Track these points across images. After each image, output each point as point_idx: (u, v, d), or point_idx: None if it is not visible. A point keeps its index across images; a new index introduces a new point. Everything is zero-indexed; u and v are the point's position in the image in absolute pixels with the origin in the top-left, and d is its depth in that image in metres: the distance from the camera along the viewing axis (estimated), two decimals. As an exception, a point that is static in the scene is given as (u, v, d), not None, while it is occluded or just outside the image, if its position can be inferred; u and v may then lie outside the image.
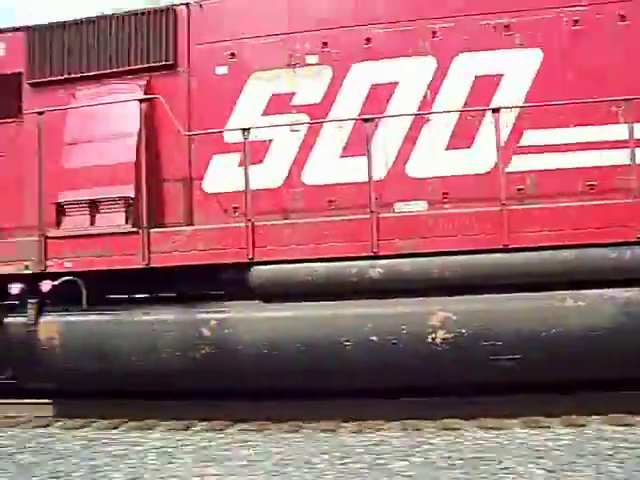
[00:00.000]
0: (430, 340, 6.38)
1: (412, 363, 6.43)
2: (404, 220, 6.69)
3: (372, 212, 6.64)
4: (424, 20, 7.16)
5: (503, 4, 7.03)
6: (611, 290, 6.25)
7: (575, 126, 6.76)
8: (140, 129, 7.36)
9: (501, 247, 6.38)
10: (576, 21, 6.91)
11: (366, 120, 6.83)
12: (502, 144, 6.67)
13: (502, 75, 6.97)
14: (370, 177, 6.74)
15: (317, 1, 7.53)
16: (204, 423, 7.00)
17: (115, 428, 7.10)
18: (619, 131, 6.49)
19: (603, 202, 6.39)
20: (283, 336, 6.71)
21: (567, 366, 6.26)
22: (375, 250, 6.59)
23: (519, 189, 6.83)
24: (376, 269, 6.61)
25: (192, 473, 5.29)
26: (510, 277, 6.38)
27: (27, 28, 8.39)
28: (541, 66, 6.90)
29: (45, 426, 7.32)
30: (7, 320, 7.53)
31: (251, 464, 5.51)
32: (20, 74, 8.21)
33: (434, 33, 7.17)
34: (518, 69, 6.93)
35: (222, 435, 6.62)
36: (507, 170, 6.72)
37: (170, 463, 5.67)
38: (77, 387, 7.77)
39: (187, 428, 6.92)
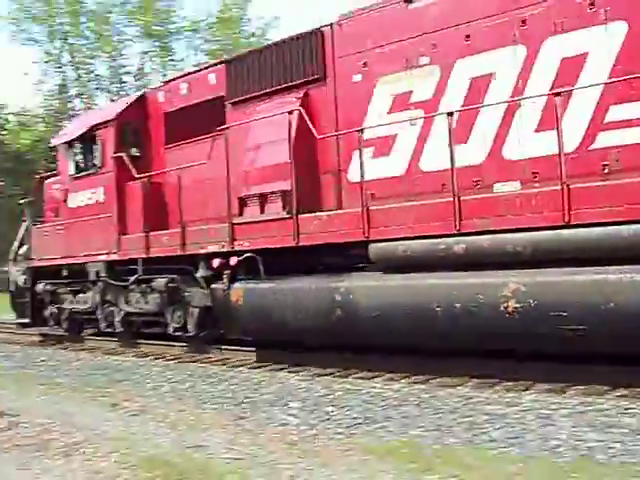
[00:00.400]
0: (503, 309, 7.15)
1: (487, 329, 7.37)
2: (480, 201, 7.57)
3: (454, 196, 7.64)
4: (514, 10, 7.72)
5: None
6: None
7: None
8: (290, 135, 9.29)
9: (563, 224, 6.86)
10: None
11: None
12: (587, 122, 7.12)
13: (587, 53, 7.20)
14: (452, 164, 7.74)
15: (425, 9, 8.61)
16: (580, 387, 7.27)
17: (491, 387, 7.73)
18: None
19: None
20: (392, 301, 8.18)
21: (625, 339, 6.58)
22: (456, 229, 7.58)
23: (604, 165, 7.08)
24: (457, 245, 7.67)
25: (573, 437, 5.67)
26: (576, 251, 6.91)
27: (226, 61, 11.34)
28: (626, 38, 6.94)
29: (423, 382, 8.21)
30: (213, 286, 10.41)
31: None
32: (223, 97, 10.98)
33: (523, 21, 7.68)
34: (603, 46, 7.06)
35: (601, 400, 6.83)
36: (590, 147, 7.14)
37: (549, 425, 6.09)
38: (256, 338, 10.42)
39: (563, 391, 7.22)
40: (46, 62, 30.98)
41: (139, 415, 7.57)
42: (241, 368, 9.88)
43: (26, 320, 14.77)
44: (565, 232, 6.91)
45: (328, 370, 9.25)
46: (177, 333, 11.43)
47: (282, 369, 9.56)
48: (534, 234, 7.09)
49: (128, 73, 31.87)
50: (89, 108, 30.79)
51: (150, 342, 12.46)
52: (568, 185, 6.84)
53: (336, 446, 6.08)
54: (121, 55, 31.31)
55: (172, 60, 31.67)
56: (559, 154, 6.94)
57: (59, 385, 9.79)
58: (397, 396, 7.68)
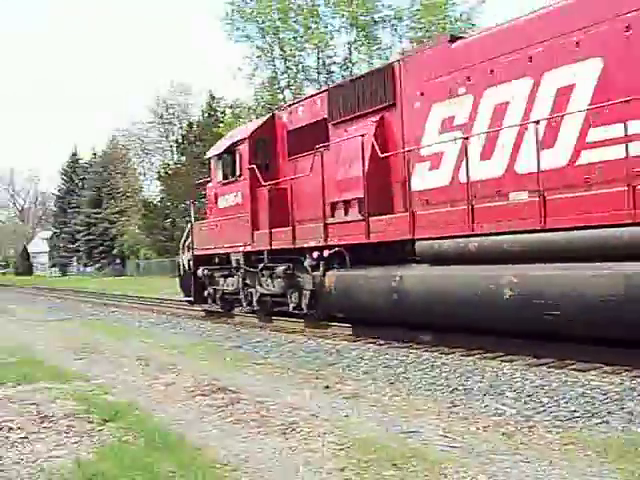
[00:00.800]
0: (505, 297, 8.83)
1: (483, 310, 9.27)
2: (484, 210, 9.46)
3: (469, 204, 9.59)
4: (523, 49, 9.32)
5: (573, 23, 8.66)
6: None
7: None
8: (363, 154, 11.61)
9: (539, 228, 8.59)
10: (628, 28, 8.02)
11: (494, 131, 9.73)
12: (573, 142, 8.58)
13: (575, 84, 8.66)
14: (468, 178, 9.76)
15: (461, 48, 10.55)
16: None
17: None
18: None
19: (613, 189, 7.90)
20: (429, 287, 10.32)
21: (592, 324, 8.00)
22: (470, 231, 9.53)
23: (586, 178, 8.44)
24: (472, 243, 9.60)
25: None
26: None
27: (328, 88, 14.24)
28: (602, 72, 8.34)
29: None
30: (314, 273, 12.89)
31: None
32: (326, 118, 13.25)
33: (530, 58, 9.24)
34: (586, 77, 8.52)
35: None
36: (577, 163, 8.58)
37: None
38: (344, 314, 12.79)
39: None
40: (258, 57, 32.41)
41: (352, 398, 7.69)
42: (452, 355, 9.71)
43: (191, 298, 18.04)
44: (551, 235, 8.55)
45: (542, 360, 8.91)
46: (295, 311, 13.80)
47: (495, 357, 9.30)
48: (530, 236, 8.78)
49: (335, 63, 32.55)
50: (297, 99, 31.92)
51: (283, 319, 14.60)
52: (544, 196, 8.53)
53: (554, 439, 5.83)
54: (328, 46, 32.00)
55: (378, 49, 31.86)
56: (537, 170, 8.70)
57: (273, 365, 10.20)
58: (618, 390, 7.25)
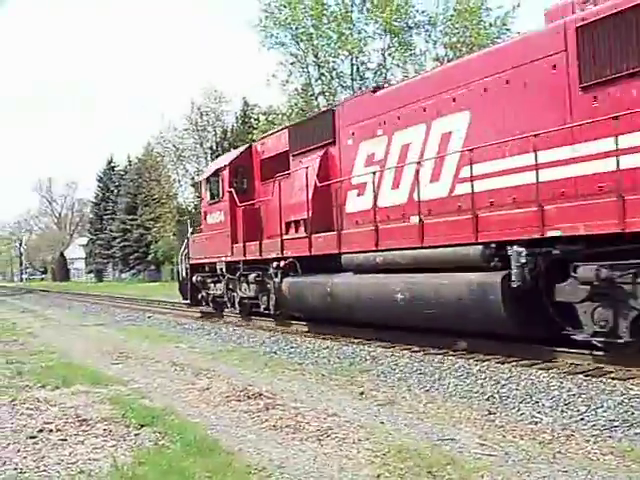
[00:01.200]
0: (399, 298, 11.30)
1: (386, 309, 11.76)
2: (385, 230, 11.94)
3: (376, 226, 12.15)
4: (419, 101, 11.77)
5: (451, 83, 11.14)
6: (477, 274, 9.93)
7: (500, 158, 10.07)
8: (308, 182, 14.18)
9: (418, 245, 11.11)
10: (485, 89, 10.53)
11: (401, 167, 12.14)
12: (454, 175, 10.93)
13: (452, 131, 11.07)
14: (366, 204, 12.81)
15: (380, 98, 13.14)
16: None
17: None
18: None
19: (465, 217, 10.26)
20: (350, 291, 12.81)
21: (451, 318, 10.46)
22: (373, 248, 12.05)
23: (459, 206, 10.71)
24: (377, 257, 12.01)
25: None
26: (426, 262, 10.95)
27: (288, 127, 16.97)
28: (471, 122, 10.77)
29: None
30: (275, 280, 15.32)
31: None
32: (287, 151, 15.81)
33: (424, 109, 11.67)
34: (460, 125, 10.92)
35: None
36: (453, 194, 10.93)
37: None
38: (296, 313, 15.46)
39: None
40: (291, 64, 32.53)
41: (387, 405, 7.67)
42: (488, 363, 9.63)
43: (188, 301, 20.90)
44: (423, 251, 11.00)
45: (579, 369, 8.80)
46: (265, 311, 16.34)
47: (531, 365, 9.21)
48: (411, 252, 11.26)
49: (369, 69, 32.54)
50: (331, 105, 31.94)
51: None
52: (422, 220, 11.03)
53: (592, 449, 5.76)
54: (362, 52, 32.01)
55: (412, 55, 31.79)
56: (418, 200, 11.22)
57: (308, 371, 10.22)
58: (659, 400, 7.13)
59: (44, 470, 5.38)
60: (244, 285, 17.07)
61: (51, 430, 6.52)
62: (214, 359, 11.77)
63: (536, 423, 6.72)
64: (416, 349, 11.25)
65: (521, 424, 6.70)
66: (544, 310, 9.21)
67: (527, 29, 11.63)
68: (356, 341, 12.73)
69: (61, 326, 20.26)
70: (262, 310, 16.38)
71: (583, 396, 7.46)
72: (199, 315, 20.25)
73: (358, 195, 13.14)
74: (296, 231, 14.69)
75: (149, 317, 22.17)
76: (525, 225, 9.23)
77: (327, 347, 12.39)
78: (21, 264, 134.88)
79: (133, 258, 75.62)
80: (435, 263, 10.63)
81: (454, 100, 11.01)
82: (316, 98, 33.02)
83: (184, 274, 21.05)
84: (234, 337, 15.09)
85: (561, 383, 8.10)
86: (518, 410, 7.27)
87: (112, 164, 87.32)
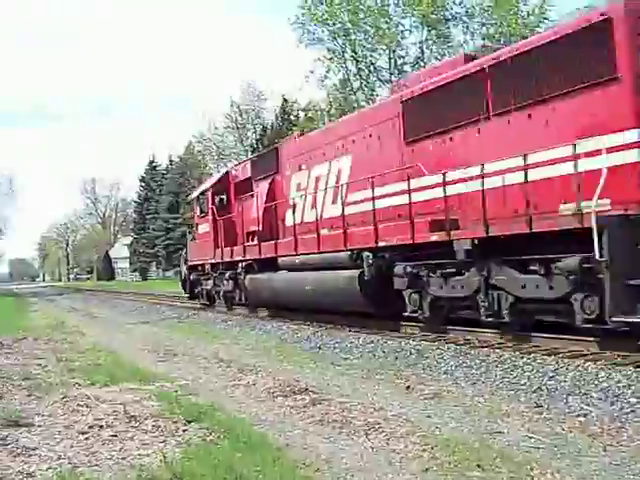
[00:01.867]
0: (311, 287, 15.28)
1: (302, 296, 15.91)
2: (301, 240, 15.99)
3: (295, 236, 16.26)
4: (325, 145, 15.82)
5: (340, 133, 15.25)
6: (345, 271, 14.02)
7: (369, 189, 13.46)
8: (258, 202, 18.65)
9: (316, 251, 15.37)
10: (364, 137, 14.30)
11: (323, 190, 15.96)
12: (342, 201, 14.57)
13: (342, 167, 15.06)
14: (297, 219, 16.91)
15: (303, 140, 17.86)
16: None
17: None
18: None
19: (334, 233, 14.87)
20: (283, 284, 16.91)
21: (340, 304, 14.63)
22: (294, 252, 16.19)
23: (347, 223, 14.30)
24: (295, 259, 16.21)
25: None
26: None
27: (251, 158, 21.94)
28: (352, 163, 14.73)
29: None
30: (238, 277, 19.74)
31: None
32: (251, 177, 20.11)
33: (324, 153, 15.90)
34: (346, 164, 14.92)
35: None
36: (344, 214, 14.40)
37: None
38: (257, 303, 19.65)
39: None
40: (329, 59, 32.48)
41: (434, 399, 7.64)
42: (534, 355, 9.52)
43: (187, 295, 25.78)
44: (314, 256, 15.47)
45: (628, 360, 8.62)
46: (240, 302, 20.48)
47: (579, 356, 9.07)
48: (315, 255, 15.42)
49: (407, 63, 32.33)
50: (371, 101, 31.81)
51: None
52: (315, 234, 15.39)
53: (644, 441, 5.66)
54: (399, 46, 31.85)
55: (450, 47, 31.50)
56: (316, 220, 15.56)
57: (353, 366, 10.22)
58: None
59: (96, 465, 5.48)
60: (224, 281, 21.17)
61: (101, 426, 6.62)
62: (259, 355, 11.85)
63: (585, 415, 6.64)
64: (461, 342, 11.17)
65: (570, 416, 6.63)
66: (388, 295, 13.08)
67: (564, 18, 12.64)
68: (401, 335, 12.69)
69: (108, 324, 20.59)
70: (237, 301, 20.76)
71: (633, 387, 7.31)
72: (241, 312, 20.69)
73: (292, 213, 17.10)
74: (252, 240, 18.97)
75: (193, 314, 22.39)
76: (369, 238, 13.33)
77: (372, 342, 12.35)
78: (68, 264, 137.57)
79: (176, 256, 76.32)
80: (327, 264, 14.84)
81: (343, 146, 15.10)
82: (355, 93, 32.94)
83: (185, 273, 25.77)
84: (278, 333, 15.17)
85: (610, 374, 7.96)
86: (566, 402, 7.18)
87: (154, 163, 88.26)
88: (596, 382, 7.73)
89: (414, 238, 12.05)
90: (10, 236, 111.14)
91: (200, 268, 23.83)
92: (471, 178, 10.97)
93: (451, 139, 11.88)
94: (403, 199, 12.46)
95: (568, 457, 5.36)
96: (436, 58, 31.36)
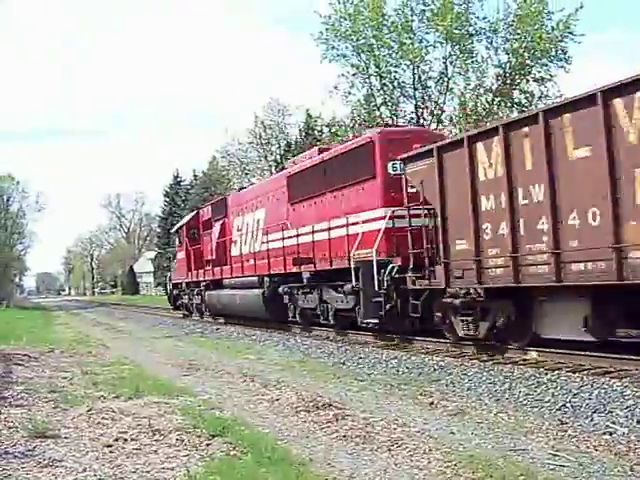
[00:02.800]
0: (239, 301, 22.52)
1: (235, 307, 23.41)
2: (235, 267, 22.99)
3: (231, 264, 23.44)
4: (247, 202, 22.80)
5: (257, 193, 22.37)
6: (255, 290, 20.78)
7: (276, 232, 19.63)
8: (214, 238, 25.75)
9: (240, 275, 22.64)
10: (269, 198, 20.80)
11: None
12: (255, 241, 21.64)
13: (260, 218, 21.32)
14: (235, 252, 23.99)
15: (236, 196, 25.33)
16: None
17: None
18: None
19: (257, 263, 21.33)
20: (226, 299, 23.99)
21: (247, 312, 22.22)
22: (231, 276, 23.52)
23: (265, 255, 20.28)
24: (232, 280, 23.51)
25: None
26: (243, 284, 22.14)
27: (210, 204, 28.71)
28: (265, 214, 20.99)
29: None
30: (202, 293, 27.16)
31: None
32: (210, 218, 26.67)
33: (246, 207, 22.91)
34: (262, 215, 21.21)
35: None
36: (258, 250, 21.11)
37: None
38: (215, 313, 26.62)
39: None
40: (353, 75, 32.59)
41: (457, 415, 7.61)
42: (559, 372, 9.44)
43: (171, 307, 33.51)
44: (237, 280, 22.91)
45: (655, 377, 8.51)
46: (207, 313, 27.29)
47: (604, 374, 8.98)
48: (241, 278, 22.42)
49: (431, 78, 32.35)
50: (395, 116, 31.85)
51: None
52: (251, 262, 21.37)
53: (671, 460, 5.59)
54: (423, 61, 31.88)
55: (474, 62, 31.48)
56: (241, 254, 22.62)
57: (377, 381, 10.20)
58: None
59: (121, 478, 5.51)
60: (195, 296, 28.16)
61: (126, 439, 6.67)
62: (283, 370, 11.86)
63: (611, 434, 6.58)
64: (485, 359, 11.11)
65: (595, 434, 6.57)
66: (279, 306, 19.35)
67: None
68: (424, 351, 12.66)
69: (132, 338, 20.74)
70: (204, 311, 27.41)
71: (659, 406, 7.25)
72: (267, 327, 20.90)
73: (234, 246, 23.47)
74: (209, 265, 25.78)
75: (217, 329, 22.51)
76: (266, 268, 19.91)
77: (395, 357, 12.34)
78: (93, 278, 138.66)
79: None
80: (248, 285, 21.28)
81: (260, 202, 21.36)
82: (378, 109, 32.98)
83: (170, 289, 33.48)
84: (302, 348, 15.20)
85: (635, 392, 7.88)
86: (591, 420, 7.13)
87: (178, 178, 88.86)
88: (621, 400, 7.67)
89: (285, 269, 18.53)
90: (37, 250, 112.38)
91: (180, 286, 30.96)
92: (311, 232, 17.01)
93: (310, 205, 17.66)
94: (281, 243, 18.75)
95: (594, 476, 5.31)
96: (460, 74, 31.37)
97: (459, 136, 14.29)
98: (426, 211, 13.01)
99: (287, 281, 18.66)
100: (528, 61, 29.98)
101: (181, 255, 29.80)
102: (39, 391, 9.54)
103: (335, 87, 32.29)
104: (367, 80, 32.75)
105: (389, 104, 32.73)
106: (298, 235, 17.59)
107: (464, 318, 11.77)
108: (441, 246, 12.11)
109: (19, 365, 12.59)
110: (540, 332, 10.55)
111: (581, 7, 29.38)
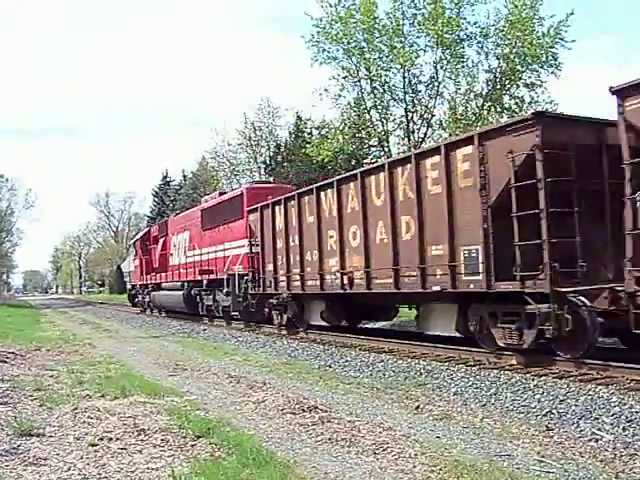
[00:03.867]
0: (170, 299, 31.60)
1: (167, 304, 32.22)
2: (170, 273, 31.54)
3: (167, 272, 32.04)
4: (179, 225, 30.86)
5: (187, 219, 30.09)
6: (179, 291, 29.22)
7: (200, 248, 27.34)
8: (158, 251, 34.14)
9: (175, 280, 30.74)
10: (190, 223, 29.06)
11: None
12: (182, 255, 30.08)
13: (186, 237, 29.59)
14: (173, 262, 31.92)
15: (173, 220, 33.35)
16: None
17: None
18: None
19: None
20: (163, 297, 32.43)
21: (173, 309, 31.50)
22: (161, 281, 33.01)
23: (185, 267, 29.38)
24: (168, 284, 31.91)
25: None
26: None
27: (159, 223, 38.39)
28: (189, 236, 29.42)
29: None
30: (150, 293, 36.57)
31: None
32: (157, 235, 35.61)
33: (179, 229, 30.83)
34: (186, 236, 29.45)
35: None
36: (184, 262, 29.37)
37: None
38: (159, 309, 34.56)
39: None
40: (344, 78, 32.55)
41: (443, 419, 7.61)
42: (545, 378, 9.48)
43: (130, 304, 43.82)
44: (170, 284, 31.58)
45: (642, 384, 8.57)
46: (154, 310, 35.31)
47: (590, 380, 9.01)
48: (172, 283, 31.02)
49: (421, 82, 32.34)
50: (384, 119, 31.86)
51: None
52: (180, 270, 29.66)
53: (657, 468, 5.61)
54: (414, 65, 31.88)
55: (464, 67, 31.52)
56: (173, 264, 30.85)
57: (363, 385, 10.20)
58: None
59: (105, 477, 5.49)
60: (146, 296, 36.20)
61: (111, 439, 6.64)
62: (269, 372, 11.83)
63: (596, 440, 6.60)
64: (471, 364, 11.13)
65: (581, 441, 6.59)
66: (195, 304, 26.69)
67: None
68: (411, 355, 12.66)
69: (119, 337, 20.63)
70: (151, 312, 35.49)
71: (646, 413, 7.29)
72: (251, 328, 21.09)
73: (171, 258, 30.67)
74: (155, 272, 33.32)
75: (203, 330, 22.43)
76: (184, 276, 28.00)
77: (382, 361, 12.34)
78: (80, 277, 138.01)
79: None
80: (176, 287, 28.92)
81: (187, 226, 28.71)
82: (368, 112, 32.88)
83: (129, 290, 45.53)
84: (288, 350, 15.17)
85: (622, 399, 7.92)
86: (577, 427, 7.15)
87: (167, 179, 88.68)
88: (608, 407, 7.70)
89: (195, 277, 26.36)
90: (25, 248, 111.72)
91: (135, 287, 40.43)
92: (211, 252, 24.78)
93: (212, 232, 25.07)
94: (193, 258, 27.16)
95: (578, 482, 5.33)
96: (450, 78, 31.41)
97: (270, 200, 18.90)
98: (257, 243, 20.08)
99: (197, 286, 26.57)
100: (519, 66, 30.01)
101: (136, 263, 39.05)
102: (25, 389, 9.49)
103: (325, 89, 32.26)
104: (357, 83, 32.67)
105: (379, 107, 32.63)
106: (202, 254, 25.82)
107: (277, 311, 19.04)
108: (261, 266, 19.60)
109: (5, 363, 12.52)
110: (308, 319, 17.83)
111: (572, 14, 29.51)
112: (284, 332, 18.77)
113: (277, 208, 18.40)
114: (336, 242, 15.25)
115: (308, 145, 34.50)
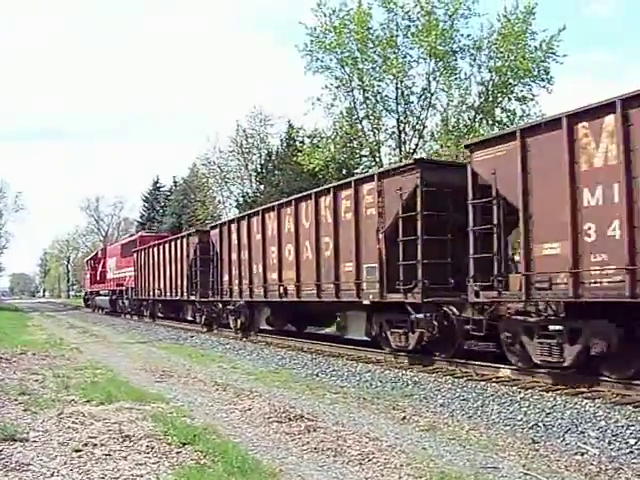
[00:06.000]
0: (102, 302, 48.49)
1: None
2: (106, 285, 46.14)
3: (105, 282, 46.79)
4: (112, 251, 46.98)
5: (115, 248, 45.97)
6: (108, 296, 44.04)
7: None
8: (100, 267, 49.69)
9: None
10: (118, 252, 42.67)
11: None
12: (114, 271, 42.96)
13: (114, 261, 43.89)
14: (110, 276, 45.33)
15: (111, 249, 48.64)
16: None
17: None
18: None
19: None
20: (104, 301, 46.61)
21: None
22: (100, 289, 49.16)
23: (111, 280, 43.77)
24: (104, 291, 47.23)
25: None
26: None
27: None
28: (115, 260, 43.45)
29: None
30: (94, 297, 52.84)
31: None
32: (102, 256, 51.15)
33: (110, 254, 46.38)
34: (114, 260, 43.27)
35: None
36: (112, 277, 44.00)
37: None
38: (97, 307, 50.64)
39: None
40: (336, 87, 32.63)
41: (429, 431, 7.60)
42: (532, 390, 9.50)
43: (86, 306, 57.62)
44: (104, 291, 47.22)
45: (627, 399, 8.61)
46: (105, 310, 46.16)
47: (577, 394, 9.04)
48: (104, 291, 47.19)
49: (413, 93, 32.46)
50: (376, 129, 31.95)
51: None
52: (110, 283, 44.46)
53: (642, 483, 5.62)
54: (406, 76, 32.01)
55: (457, 79, 31.67)
56: (126, 278, 38.89)
57: (349, 395, 10.18)
58: None
59: (89, 484, 5.45)
60: (94, 300, 50.39)
61: (95, 445, 6.59)
62: (256, 380, 11.80)
63: (582, 454, 6.60)
64: (459, 375, 11.14)
65: (566, 455, 6.59)
66: (118, 305, 41.40)
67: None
68: (398, 366, 12.66)
69: (106, 342, 20.53)
70: (110, 311, 42.91)
71: (632, 428, 7.31)
72: (239, 336, 21.11)
73: (107, 274, 44.38)
74: (97, 283, 48.49)
75: (192, 337, 22.36)
76: (112, 285, 42.86)
77: (369, 371, 12.33)
78: (68, 281, 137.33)
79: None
80: (106, 294, 44.61)
81: (114, 253, 43.18)
82: (360, 122, 33.00)
83: (84, 295, 60.54)
84: (275, 359, 15.14)
85: (608, 413, 7.95)
86: (563, 440, 7.15)
87: (158, 184, 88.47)
88: (594, 421, 7.72)
89: (115, 288, 41.07)
90: (13, 251, 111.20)
91: (87, 293, 55.47)
92: (122, 273, 39.09)
93: (126, 260, 36.90)
94: (114, 275, 41.63)
95: (563, 495, 5.33)
96: (443, 90, 31.55)
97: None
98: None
99: (115, 293, 41.01)
100: (511, 80, 30.21)
101: (87, 276, 54.28)
102: (9, 393, 9.43)
103: (318, 98, 32.33)
104: (350, 93, 32.80)
105: (371, 117, 32.74)
106: (120, 273, 38.99)
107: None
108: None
109: (-11, 366, 12.44)
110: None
111: (564, 29, 29.77)
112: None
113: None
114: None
115: (300, 154, 34.58)
